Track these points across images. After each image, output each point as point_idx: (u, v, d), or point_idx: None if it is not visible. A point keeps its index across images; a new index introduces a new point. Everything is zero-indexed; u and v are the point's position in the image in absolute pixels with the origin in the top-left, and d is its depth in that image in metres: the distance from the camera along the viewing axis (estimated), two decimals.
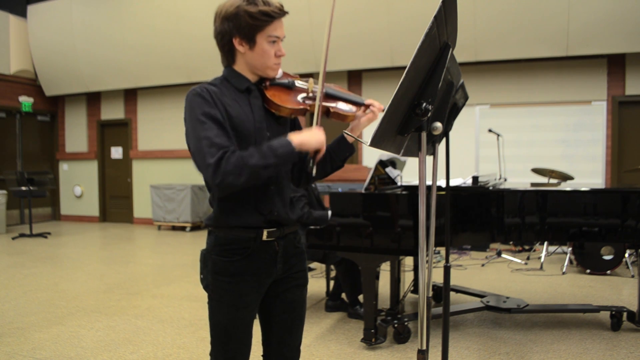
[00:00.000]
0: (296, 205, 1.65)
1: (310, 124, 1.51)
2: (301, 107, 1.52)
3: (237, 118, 1.44)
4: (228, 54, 1.50)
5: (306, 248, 3.21)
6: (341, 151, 1.59)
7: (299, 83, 1.59)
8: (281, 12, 1.45)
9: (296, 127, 1.66)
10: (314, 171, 1.48)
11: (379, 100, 1.63)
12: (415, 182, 4.08)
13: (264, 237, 1.49)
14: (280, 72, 1.58)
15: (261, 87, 1.53)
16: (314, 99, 1.54)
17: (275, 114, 1.52)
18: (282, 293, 1.58)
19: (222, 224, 1.49)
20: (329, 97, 1.59)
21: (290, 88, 1.56)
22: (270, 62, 1.48)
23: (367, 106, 1.59)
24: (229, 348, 1.53)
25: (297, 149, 1.39)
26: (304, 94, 1.56)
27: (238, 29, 1.43)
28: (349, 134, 1.59)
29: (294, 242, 1.60)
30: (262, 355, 1.65)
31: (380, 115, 1.19)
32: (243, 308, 1.51)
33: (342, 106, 1.59)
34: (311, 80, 1.60)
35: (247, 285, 1.50)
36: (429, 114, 1.26)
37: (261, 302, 1.61)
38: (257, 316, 1.60)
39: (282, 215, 1.52)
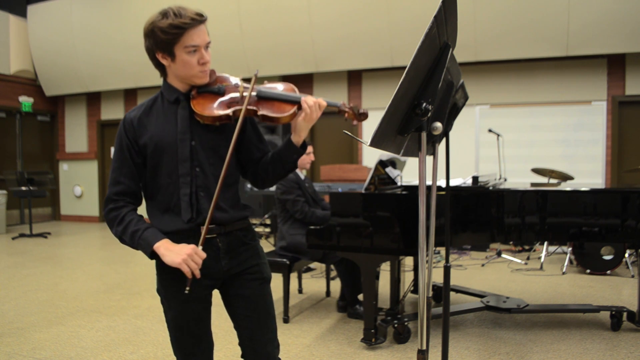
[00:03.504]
0: (239, 204, 1.65)
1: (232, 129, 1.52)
2: (224, 113, 1.51)
3: (157, 135, 1.52)
4: (158, 68, 1.57)
5: (307, 248, 3.25)
6: (289, 153, 1.58)
7: (232, 88, 1.57)
8: (194, 21, 1.44)
9: (254, 127, 1.67)
10: (186, 289, 1.45)
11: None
12: (415, 182, 4.08)
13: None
14: (228, 77, 1.58)
15: (189, 96, 1.55)
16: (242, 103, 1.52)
17: (200, 122, 1.54)
18: (239, 290, 1.61)
19: (159, 229, 1.55)
20: (262, 99, 1.55)
21: (218, 94, 1.55)
22: (194, 71, 1.50)
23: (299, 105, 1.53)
24: (184, 343, 1.58)
25: (152, 253, 1.48)
26: (233, 100, 1.54)
27: (156, 45, 1.48)
28: (349, 133, 1.59)
29: (242, 239, 1.62)
30: (241, 356, 1.67)
31: (381, 115, 1.18)
32: (191, 302, 1.56)
33: (275, 107, 1.53)
34: (245, 84, 1.58)
35: (191, 280, 1.51)
36: (429, 114, 1.26)
37: (225, 302, 1.66)
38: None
39: (217, 217, 1.54)
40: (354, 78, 7.89)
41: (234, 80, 1.61)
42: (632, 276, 4.83)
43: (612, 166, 6.59)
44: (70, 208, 10.45)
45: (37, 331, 3.44)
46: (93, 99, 10.05)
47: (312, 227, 3.20)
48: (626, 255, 4.93)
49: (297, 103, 1.54)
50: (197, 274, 1.44)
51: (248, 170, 1.68)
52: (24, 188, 8.08)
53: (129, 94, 9.70)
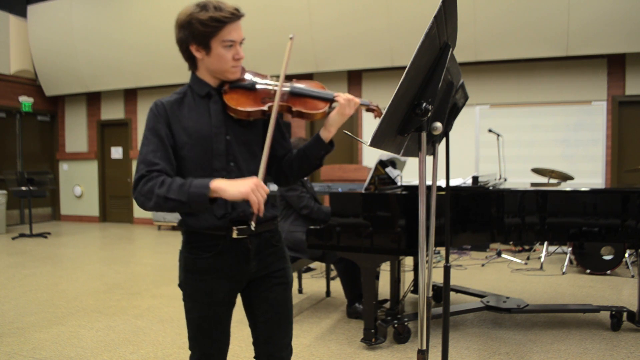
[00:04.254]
0: (272, 205, 1.63)
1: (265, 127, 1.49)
2: (258, 108, 1.50)
3: (191, 127, 1.48)
4: (189, 61, 1.54)
5: (307, 247, 3.25)
6: (316, 150, 1.57)
7: (263, 83, 1.57)
8: (233, 16, 1.44)
9: (278, 123, 1.63)
10: (252, 226, 1.40)
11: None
12: (415, 182, 4.08)
13: (234, 235, 1.49)
14: (249, 74, 1.57)
15: (221, 91, 1.53)
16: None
17: (234, 117, 1.52)
18: (264, 292, 1.59)
19: (188, 227, 1.53)
20: (295, 95, 1.56)
21: (251, 89, 1.54)
22: (228, 65, 1.49)
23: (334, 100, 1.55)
24: (204, 344, 1.57)
25: (210, 194, 1.35)
26: (266, 95, 1.54)
27: (193, 37, 1.45)
28: (349, 133, 1.59)
29: (270, 241, 1.60)
30: (254, 357, 1.66)
31: (378, 119, 1.19)
32: (215, 305, 1.54)
33: (309, 104, 1.55)
34: (275, 79, 1.58)
35: (218, 283, 1.52)
36: (429, 114, 1.26)
37: (245, 303, 1.64)
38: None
39: (251, 213, 1.49)
40: (354, 78, 7.89)
41: (261, 77, 1.60)
42: (632, 276, 4.83)
43: (612, 166, 6.59)
44: (70, 208, 10.45)
45: (37, 331, 3.44)
46: (93, 99, 10.06)
47: (312, 227, 3.20)
48: (626, 255, 4.93)
49: (329, 100, 1.55)
50: (262, 209, 1.35)
51: (271, 167, 1.66)
52: (24, 188, 8.08)
53: (129, 94, 9.70)
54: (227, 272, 1.53)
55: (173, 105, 1.50)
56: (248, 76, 1.58)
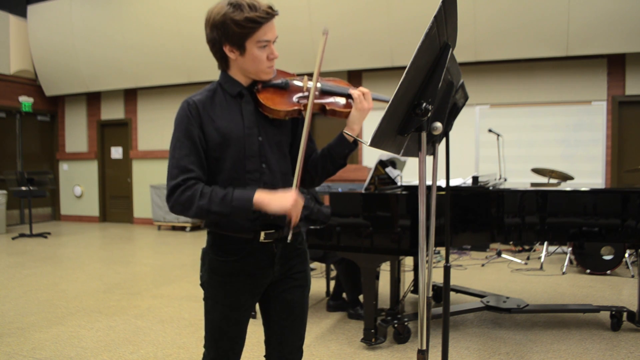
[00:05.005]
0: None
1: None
2: (295, 107, 1.49)
3: (224, 128, 1.45)
4: (221, 60, 1.49)
5: (306, 247, 3.24)
6: (340, 148, 1.54)
7: (294, 82, 1.54)
8: (269, 15, 1.40)
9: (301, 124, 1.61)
10: (289, 237, 1.41)
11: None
12: (415, 182, 4.08)
13: (261, 239, 1.48)
14: (275, 72, 1.54)
15: (254, 91, 1.50)
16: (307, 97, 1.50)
17: (269, 117, 1.50)
18: (282, 294, 1.58)
19: (218, 228, 1.50)
20: (325, 93, 1.53)
21: (284, 88, 1.52)
22: (263, 66, 1.46)
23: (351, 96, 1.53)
24: (221, 345, 1.56)
25: (255, 207, 1.37)
26: (299, 93, 1.52)
27: (227, 37, 1.41)
28: (348, 133, 1.58)
29: (294, 244, 1.58)
30: (264, 356, 1.66)
31: (380, 115, 1.18)
32: (237, 308, 1.52)
33: (340, 102, 1.53)
34: (306, 77, 1.56)
35: (242, 286, 1.51)
36: (429, 114, 1.26)
37: (262, 302, 1.61)
38: (257, 316, 1.60)
39: (281, 217, 1.50)
40: (354, 78, 7.89)
41: (290, 75, 1.57)
42: (632, 276, 4.83)
43: (612, 166, 6.59)
44: (70, 208, 10.45)
45: (37, 331, 3.44)
46: (93, 99, 10.06)
47: (312, 227, 3.20)
48: (626, 255, 4.93)
49: (345, 96, 1.53)
50: (297, 220, 1.39)
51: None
52: (24, 188, 8.08)
53: (129, 94, 9.70)
54: (251, 275, 1.51)
55: (205, 104, 1.46)
56: (280, 74, 1.56)
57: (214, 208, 1.37)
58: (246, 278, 1.51)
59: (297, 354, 1.64)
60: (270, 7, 1.41)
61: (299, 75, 1.60)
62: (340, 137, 1.54)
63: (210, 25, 1.42)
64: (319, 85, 1.53)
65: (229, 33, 1.39)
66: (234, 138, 1.45)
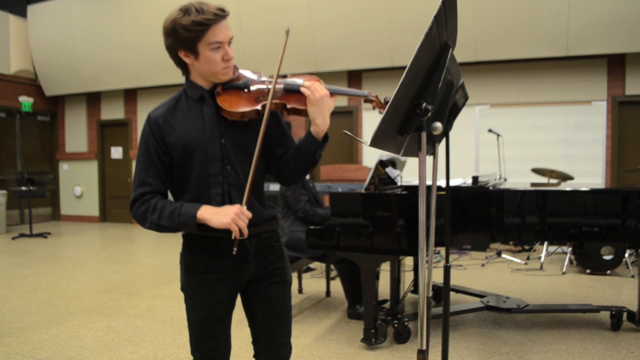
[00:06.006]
0: (267, 205, 1.63)
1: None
2: (254, 108, 1.48)
3: (185, 135, 1.48)
4: (180, 66, 1.52)
5: (307, 247, 3.25)
6: (308, 145, 1.51)
7: (258, 82, 1.53)
8: (217, 17, 1.40)
9: (279, 123, 1.62)
10: (234, 250, 1.43)
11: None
12: (415, 182, 4.08)
13: (233, 237, 1.47)
14: (245, 73, 1.54)
15: (214, 93, 1.51)
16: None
17: (228, 119, 1.50)
18: (262, 290, 1.60)
19: None
20: (289, 92, 1.51)
21: (244, 89, 1.51)
22: (218, 67, 1.46)
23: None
24: (206, 345, 1.57)
25: (199, 222, 1.42)
26: (260, 94, 1.50)
27: (179, 43, 1.43)
28: (349, 133, 1.59)
29: (269, 241, 1.60)
30: (253, 356, 1.66)
31: (381, 115, 1.18)
32: (215, 305, 1.54)
33: (302, 100, 1.49)
34: (269, 76, 1.54)
35: (218, 283, 1.53)
36: (429, 114, 1.26)
37: (244, 302, 1.64)
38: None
39: (252, 215, 1.49)
40: (354, 78, 7.89)
41: (256, 75, 1.56)
42: (632, 276, 4.83)
43: (612, 166, 6.59)
44: (70, 208, 10.45)
45: (37, 331, 3.44)
46: (93, 99, 10.06)
47: (312, 227, 3.20)
48: (626, 255, 4.93)
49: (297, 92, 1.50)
50: (245, 232, 1.41)
51: (271, 165, 1.63)
52: (24, 188, 8.08)
53: (129, 94, 9.70)
54: (227, 272, 1.53)
55: (166, 116, 1.50)
56: (243, 75, 1.55)
57: (163, 223, 1.45)
58: (222, 275, 1.53)
59: (285, 349, 1.64)
60: (220, 9, 1.41)
61: (270, 75, 1.55)
62: (308, 133, 1.52)
63: (164, 33, 1.45)
64: (281, 85, 1.51)
65: (180, 38, 1.41)
66: (196, 143, 1.48)
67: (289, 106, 1.50)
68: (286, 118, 7.18)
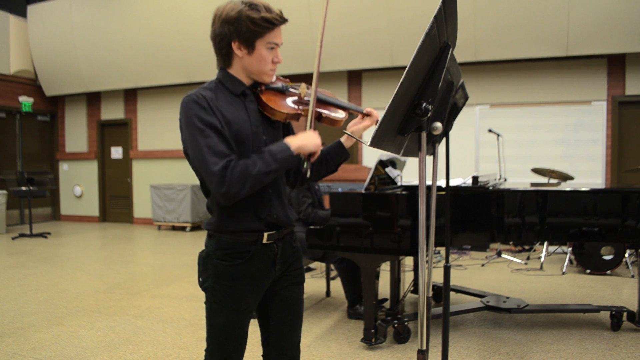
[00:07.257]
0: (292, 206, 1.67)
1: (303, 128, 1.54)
2: (295, 111, 1.54)
3: (235, 123, 1.44)
4: (225, 57, 1.49)
5: (307, 247, 3.25)
6: (337, 156, 1.63)
7: (291, 88, 1.60)
8: (282, 20, 1.46)
9: (290, 131, 1.68)
10: (308, 173, 1.50)
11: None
12: (415, 182, 4.08)
13: (264, 240, 1.50)
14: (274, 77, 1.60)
15: (256, 92, 1.53)
16: (306, 103, 1.57)
17: (271, 118, 1.54)
18: (280, 291, 1.59)
19: (223, 229, 1.49)
20: (321, 102, 1.61)
21: (283, 93, 1.57)
22: (267, 68, 1.49)
23: (366, 114, 1.64)
24: (226, 349, 1.55)
25: (295, 152, 1.43)
26: (296, 98, 1.58)
27: (238, 33, 1.42)
28: (350, 134, 1.60)
29: (290, 243, 1.62)
30: (262, 355, 1.65)
31: (380, 115, 1.19)
32: (242, 311, 1.52)
33: (333, 112, 1.62)
34: (303, 85, 1.62)
35: (248, 289, 1.51)
36: (429, 114, 1.26)
37: (260, 301, 1.62)
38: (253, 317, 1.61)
39: (282, 217, 1.54)
40: (354, 78, 7.89)
41: (286, 82, 1.65)
42: (632, 276, 4.83)
43: (612, 166, 6.59)
44: (70, 208, 10.45)
45: (37, 331, 3.44)
46: (93, 99, 10.06)
47: (312, 227, 3.20)
48: (626, 255, 4.93)
49: (346, 109, 1.64)
50: (317, 154, 1.50)
51: (289, 172, 1.67)
52: (24, 188, 8.08)
53: (129, 94, 9.70)
54: (255, 277, 1.52)
55: (212, 99, 1.43)
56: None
57: (272, 167, 1.39)
58: (251, 280, 1.51)
59: (296, 351, 1.65)
60: (282, 13, 1.47)
61: (299, 77, 1.65)
62: (338, 145, 1.61)
63: (221, 20, 1.43)
64: (318, 95, 1.61)
65: (242, 29, 1.41)
66: (244, 135, 1.46)
67: (323, 115, 1.60)
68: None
